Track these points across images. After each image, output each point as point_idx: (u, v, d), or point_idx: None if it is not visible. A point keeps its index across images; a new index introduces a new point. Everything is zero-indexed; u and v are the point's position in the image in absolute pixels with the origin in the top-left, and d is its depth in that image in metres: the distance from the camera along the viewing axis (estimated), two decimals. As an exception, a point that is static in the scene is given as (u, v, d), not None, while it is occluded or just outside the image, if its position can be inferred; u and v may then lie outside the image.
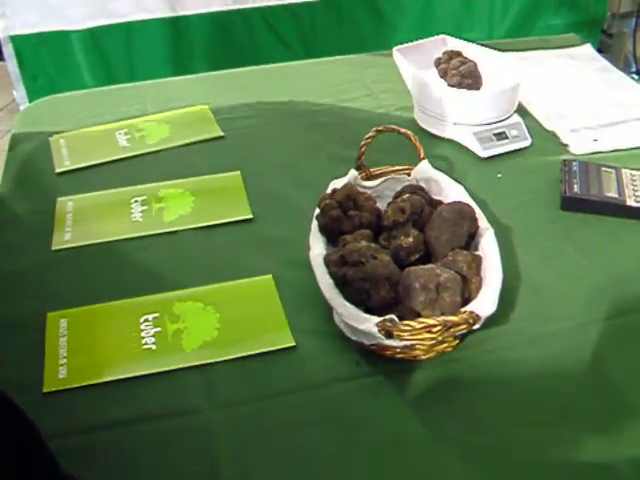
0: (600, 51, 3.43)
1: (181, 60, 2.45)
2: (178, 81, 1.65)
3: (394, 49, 1.42)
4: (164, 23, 2.32)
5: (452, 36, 1.51)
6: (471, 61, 1.42)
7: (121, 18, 2.28)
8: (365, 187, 1.09)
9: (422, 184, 1.08)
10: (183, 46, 2.40)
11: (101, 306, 1.00)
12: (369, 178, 1.12)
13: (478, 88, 1.39)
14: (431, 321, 0.83)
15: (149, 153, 1.35)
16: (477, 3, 2.84)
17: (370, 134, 1.09)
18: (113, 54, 2.37)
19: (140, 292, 1.03)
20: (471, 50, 1.46)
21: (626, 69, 3.45)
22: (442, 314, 0.86)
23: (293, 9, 2.49)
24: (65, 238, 1.14)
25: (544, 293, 1.02)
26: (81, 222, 1.18)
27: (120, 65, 2.40)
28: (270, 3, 2.43)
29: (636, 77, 3.40)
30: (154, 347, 0.93)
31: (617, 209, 1.17)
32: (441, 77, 1.42)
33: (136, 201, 1.21)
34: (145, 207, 1.19)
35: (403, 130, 1.10)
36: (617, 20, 3.41)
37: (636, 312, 1.00)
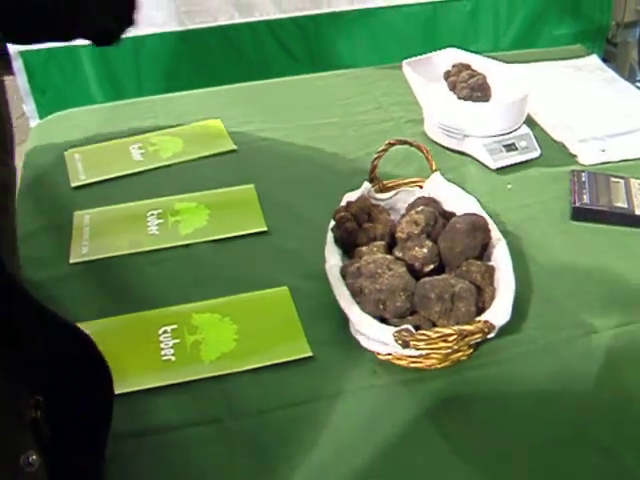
0: (605, 60, 3.45)
1: (189, 74, 2.47)
2: (190, 95, 1.66)
3: (404, 62, 1.43)
4: (172, 37, 2.34)
5: (459, 48, 1.53)
6: (480, 74, 1.43)
7: (129, 32, 2.30)
8: (378, 199, 1.11)
9: (434, 196, 1.10)
10: (191, 59, 2.41)
11: (120, 318, 1.02)
12: (382, 190, 1.13)
13: (487, 100, 1.41)
14: (447, 330, 0.84)
15: (163, 167, 1.37)
16: (481, 15, 2.85)
17: (382, 147, 1.10)
18: (121, 68, 2.38)
19: (158, 304, 1.04)
20: (479, 62, 1.47)
21: (631, 78, 3.47)
22: (457, 323, 0.88)
23: (299, 21, 2.51)
24: (83, 251, 1.16)
25: (555, 302, 1.04)
26: (98, 235, 1.19)
27: (129, 79, 2.41)
28: (276, 16, 2.45)
29: (641, 86, 3.42)
30: (173, 358, 0.95)
31: (626, 219, 1.19)
32: (451, 90, 1.43)
33: (152, 214, 1.23)
34: (161, 220, 1.21)
35: (415, 142, 1.12)
36: (621, 29, 3.43)
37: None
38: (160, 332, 0.99)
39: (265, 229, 1.18)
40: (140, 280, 1.10)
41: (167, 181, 1.33)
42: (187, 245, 1.16)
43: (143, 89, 2.40)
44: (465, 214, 1.01)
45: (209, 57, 2.42)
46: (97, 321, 1.01)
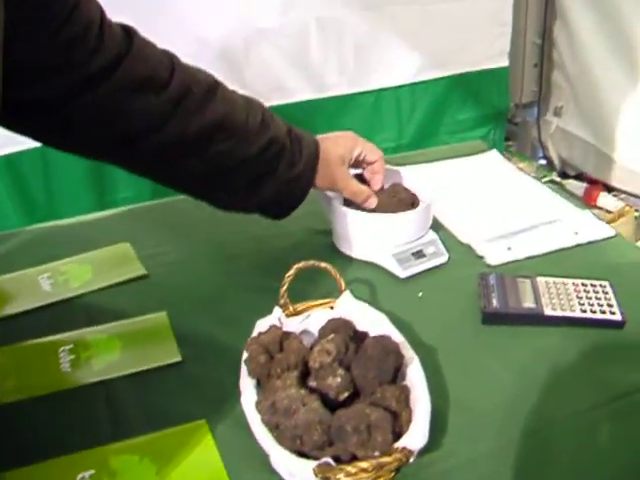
0: (507, 139, 3.58)
1: (101, 183, 2.47)
2: (96, 218, 1.65)
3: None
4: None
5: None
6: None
7: (35, 143, 2.29)
8: (290, 324, 1.11)
9: (345, 317, 1.11)
10: (103, 166, 2.41)
11: (36, 467, 0.99)
12: (294, 314, 1.14)
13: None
14: (365, 464, 0.84)
15: (74, 297, 1.35)
16: (385, 105, 2.92)
17: (291, 272, 1.11)
18: (31, 180, 2.37)
19: (75, 447, 1.01)
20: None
21: (534, 156, 3.59)
22: (375, 452, 0.88)
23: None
24: (-8, 395, 1.13)
25: (473, 412, 1.05)
26: (7, 377, 1.16)
27: (39, 191, 2.40)
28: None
29: (543, 163, 3.54)
30: (92, 509, 0.92)
31: (536, 319, 1.21)
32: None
33: (64, 350, 1.20)
34: (73, 356, 1.19)
35: (323, 265, 1.13)
36: (520, 110, 3.56)
37: (565, 421, 1.03)
38: (78, 479, 0.96)
39: (179, 359, 1.17)
40: (55, 423, 1.07)
41: (79, 312, 1.31)
42: (101, 381, 1.14)
43: (55, 201, 2.38)
44: (376, 337, 1.02)
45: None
46: (12, 472, 0.97)
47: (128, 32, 1.14)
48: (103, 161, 1.26)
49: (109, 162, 1.25)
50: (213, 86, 1.22)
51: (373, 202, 1.37)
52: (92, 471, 0.97)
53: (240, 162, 1.22)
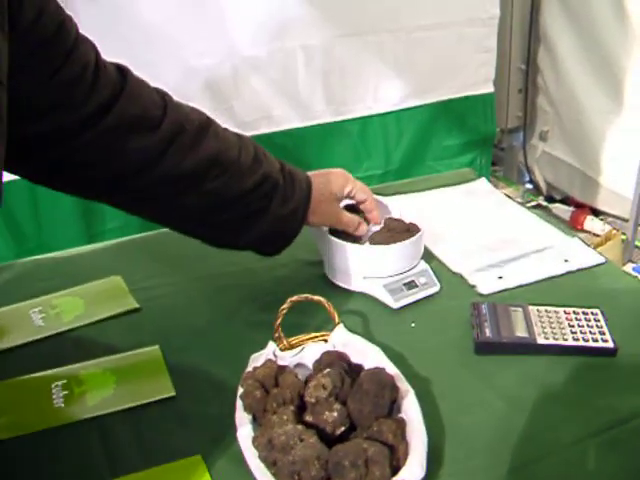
0: (494, 164, 3.60)
1: (90, 213, 2.47)
2: (89, 251, 1.65)
3: (299, 207, 1.46)
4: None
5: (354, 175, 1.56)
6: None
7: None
8: (285, 358, 1.11)
9: (340, 350, 1.11)
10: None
11: (29, 507, 0.99)
12: (288, 348, 1.14)
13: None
14: (364, 501, 0.84)
15: (66, 331, 1.34)
16: (371, 132, 2.94)
17: (285, 305, 1.11)
18: (19, 210, 2.37)
19: (69, 486, 1.01)
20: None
21: (520, 180, 3.61)
22: (373, 486, 0.88)
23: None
24: (-16, 433, 1.12)
25: (469, 444, 1.05)
26: (1, 414, 1.15)
27: (27, 221, 2.39)
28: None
29: (529, 187, 3.56)
30: None
31: (529, 348, 1.22)
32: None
33: (57, 386, 1.20)
34: (66, 392, 1.18)
35: (316, 298, 1.13)
36: (506, 135, 3.59)
37: (559, 451, 1.03)
38: (73, 520, 0.96)
39: (173, 394, 1.16)
40: (47, 461, 1.06)
41: (71, 347, 1.31)
42: (95, 417, 1.13)
43: (43, 232, 2.38)
44: (371, 370, 1.02)
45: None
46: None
47: (122, 71, 1.15)
48: (95, 200, 1.26)
49: (102, 201, 1.26)
50: (205, 123, 1.22)
51: (363, 228, 1.41)
52: (88, 510, 0.97)
53: (234, 198, 1.23)
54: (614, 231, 3.10)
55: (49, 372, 1.24)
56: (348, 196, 1.40)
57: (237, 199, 1.23)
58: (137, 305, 1.39)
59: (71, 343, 1.32)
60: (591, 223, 3.25)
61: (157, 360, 1.25)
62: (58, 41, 1.03)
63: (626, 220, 3.04)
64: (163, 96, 1.19)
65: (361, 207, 1.43)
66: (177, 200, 1.21)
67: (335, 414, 0.95)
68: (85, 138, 1.08)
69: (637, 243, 3.06)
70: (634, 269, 2.95)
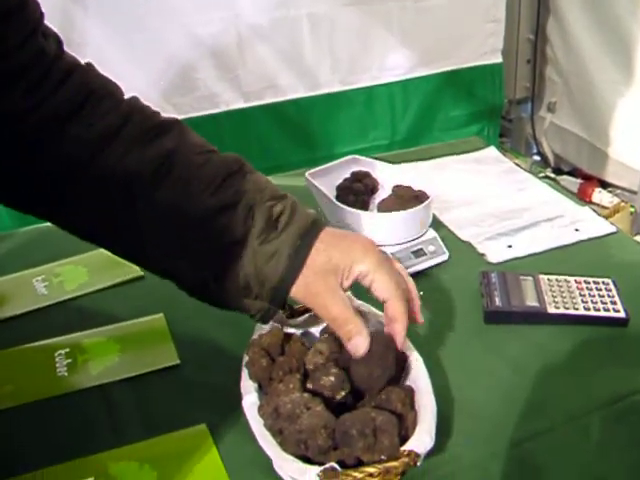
0: (502, 136, 3.57)
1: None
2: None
3: (306, 174, 1.43)
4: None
5: (360, 154, 1.54)
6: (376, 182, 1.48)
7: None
8: (291, 325, 1.09)
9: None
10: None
11: (33, 475, 0.97)
12: (293, 315, 1.12)
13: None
14: (371, 469, 0.83)
15: (69, 300, 1.33)
16: (378, 102, 2.92)
17: (292, 273, 1.09)
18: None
19: (74, 454, 0.99)
20: (379, 169, 1.49)
21: (528, 152, 3.58)
22: (382, 456, 0.86)
23: (198, 121, 2.53)
24: (-14, 402, 1.10)
25: (478, 414, 1.04)
26: (5, 382, 1.14)
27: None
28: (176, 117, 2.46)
29: (537, 159, 3.53)
30: (92, 516, 0.91)
31: (539, 318, 1.20)
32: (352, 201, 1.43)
33: (60, 354, 1.19)
34: (70, 360, 1.17)
35: (324, 265, 1.11)
36: (514, 106, 3.55)
37: (567, 422, 1.02)
38: (77, 487, 0.95)
39: (178, 362, 1.15)
40: (52, 429, 1.05)
41: (75, 315, 1.29)
42: (99, 386, 1.12)
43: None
44: (374, 335, 0.99)
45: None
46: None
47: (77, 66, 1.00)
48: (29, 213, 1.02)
49: (35, 214, 1.03)
50: (171, 122, 1.00)
51: (360, 347, 0.94)
52: (91, 479, 0.96)
53: (196, 218, 0.95)
54: (622, 203, 3.07)
55: (52, 340, 1.22)
56: (359, 280, 0.97)
57: (200, 220, 0.95)
58: (141, 273, 1.37)
59: (74, 311, 1.31)
60: (599, 195, 3.22)
61: (161, 328, 1.23)
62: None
63: (635, 192, 3.01)
64: (122, 93, 1.01)
65: (384, 319, 1.00)
66: (122, 213, 0.95)
67: (332, 378, 0.93)
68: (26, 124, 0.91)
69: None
70: (643, 241, 2.93)
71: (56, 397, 1.11)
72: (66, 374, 1.15)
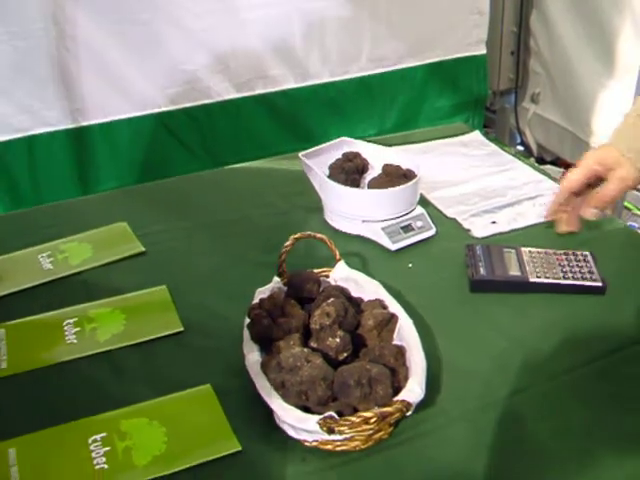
0: (486, 127, 3.62)
1: (87, 172, 2.49)
2: (91, 199, 1.70)
3: (300, 155, 1.50)
4: (66, 135, 2.36)
5: (350, 136, 1.60)
6: (366, 162, 1.55)
7: (21, 133, 2.31)
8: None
9: (341, 284, 1.16)
10: (88, 157, 2.44)
11: (48, 431, 1.03)
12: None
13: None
14: (368, 414, 0.90)
15: (74, 274, 1.39)
16: (366, 92, 2.95)
17: (288, 242, 1.16)
18: (17, 170, 2.38)
19: (86, 413, 1.05)
20: (369, 150, 1.56)
21: (512, 142, 3.64)
22: (376, 405, 0.93)
23: (191, 112, 2.58)
24: (1, 367, 1.16)
25: (465, 373, 1.11)
26: (16, 350, 1.20)
27: (24, 180, 2.41)
28: (167, 108, 2.51)
29: (521, 149, 3.59)
30: (106, 466, 0.97)
31: (521, 286, 1.27)
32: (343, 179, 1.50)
33: (68, 323, 1.24)
34: (78, 328, 1.23)
35: (319, 235, 1.18)
36: (498, 97, 3.60)
37: (550, 380, 1.09)
38: (90, 441, 1.01)
39: (182, 329, 1.21)
40: (64, 391, 1.11)
41: (80, 288, 1.35)
42: (107, 351, 1.18)
43: (41, 189, 2.40)
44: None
45: (105, 153, 2.46)
46: (24, 436, 1.02)
47: None
48: None
49: None
50: None
51: None
52: (104, 434, 1.02)
53: None
54: (603, 190, 3.13)
55: (60, 311, 1.28)
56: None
57: None
58: (143, 249, 1.43)
59: (80, 285, 1.37)
60: (581, 184, 3.28)
61: (164, 298, 1.29)
62: None
63: (615, 180, 3.07)
64: None
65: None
66: None
67: (338, 340, 1.00)
68: None
69: (625, 203, 3.10)
70: (624, 228, 2.99)
71: (66, 362, 1.17)
72: (75, 341, 1.21)
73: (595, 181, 1.28)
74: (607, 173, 1.25)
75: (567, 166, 3.36)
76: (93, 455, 0.99)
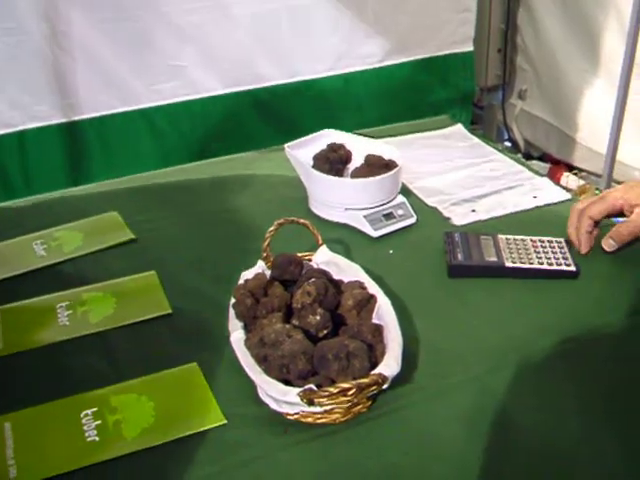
0: (473, 123, 3.67)
1: (78, 166, 2.53)
2: (82, 190, 1.74)
3: (285, 146, 1.55)
4: (58, 130, 2.41)
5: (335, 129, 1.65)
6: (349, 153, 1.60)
7: (12, 128, 2.36)
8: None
9: (323, 267, 1.21)
10: (79, 152, 2.48)
11: (42, 407, 1.08)
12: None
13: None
14: (346, 385, 0.94)
15: (67, 260, 1.43)
16: (353, 89, 2.99)
17: (272, 227, 1.20)
18: (8, 165, 2.42)
19: (78, 390, 1.10)
20: (353, 141, 1.61)
21: (499, 138, 3.69)
22: (354, 379, 0.98)
23: (180, 107, 2.62)
24: (-3, 348, 1.20)
25: (441, 352, 1.15)
26: (10, 331, 1.25)
27: (16, 175, 2.45)
28: (157, 103, 2.55)
29: (508, 145, 3.64)
30: (97, 439, 1.01)
31: (497, 271, 1.32)
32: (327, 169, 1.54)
33: (61, 306, 1.29)
34: (70, 311, 1.28)
35: (302, 221, 1.23)
36: (486, 94, 3.65)
37: (523, 359, 1.13)
38: (82, 415, 1.05)
39: (170, 311, 1.26)
40: (57, 370, 1.16)
41: (72, 274, 1.39)
42: (98, 332, 1.23)
43: (32, 185, 2.44)
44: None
45: (96, 147, 2.50)
46: (19, 412, 1.07)
47: None
48: None
49: None
50: None
51: None
52: (95, 409, 1.07)
53: None
54: (587, 185, 3.18)
55: (53, 295, 1.33)
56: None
57: None
58: (133, 236, 1.48)
59: (72, 271, 1.41)
60: (567, 178, 3.34)
61: (154, 283, 1.34)
62: None
63: (599, 175, 3.13)
64: None
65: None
66: None
67: (318, 317, 1.05)
68: None
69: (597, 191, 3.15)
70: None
71: (59, 342, 1.21)
72: (67, 323, 1.25)
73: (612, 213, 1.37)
74: (629, 209, 1.32)
75: (553, 161, 3.41)
76: (85, 428, 1.03)
